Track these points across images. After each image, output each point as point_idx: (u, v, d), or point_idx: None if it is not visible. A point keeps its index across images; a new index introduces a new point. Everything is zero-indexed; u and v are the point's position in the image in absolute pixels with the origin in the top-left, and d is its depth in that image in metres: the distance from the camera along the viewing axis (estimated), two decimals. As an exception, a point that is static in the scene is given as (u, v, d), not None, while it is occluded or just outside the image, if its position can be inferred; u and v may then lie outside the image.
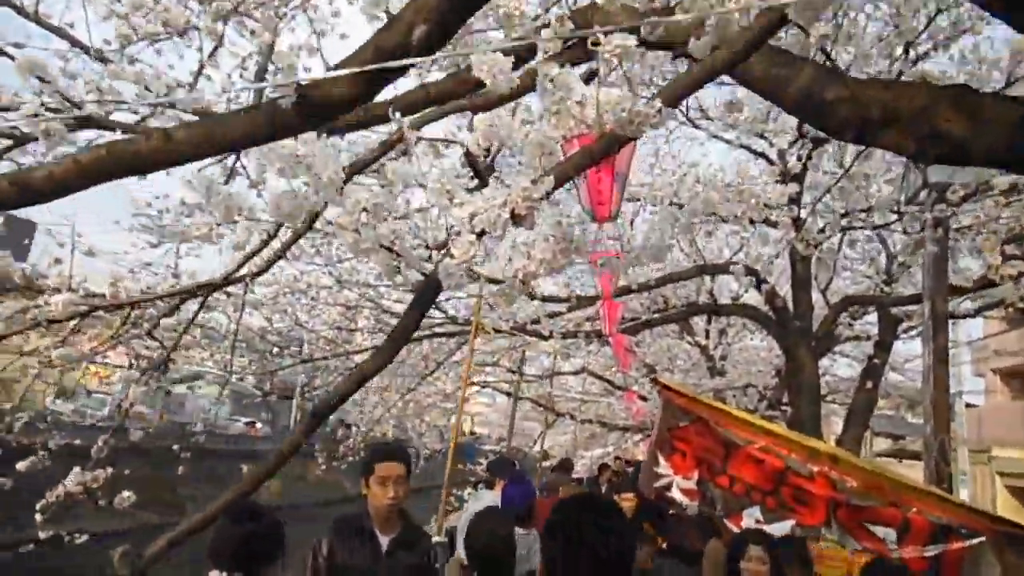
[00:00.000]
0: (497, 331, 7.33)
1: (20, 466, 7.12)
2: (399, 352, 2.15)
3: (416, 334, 8.27)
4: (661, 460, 4.00)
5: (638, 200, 8.04)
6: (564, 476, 8.25)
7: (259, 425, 41.32)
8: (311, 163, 1.81)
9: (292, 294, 7.63)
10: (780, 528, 3.60)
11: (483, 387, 14.43)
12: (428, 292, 1.95)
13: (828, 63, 3.23)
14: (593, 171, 2.99)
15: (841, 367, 14.26)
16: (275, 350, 9.49)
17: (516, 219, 1.75)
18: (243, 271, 4.19)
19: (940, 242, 4.37)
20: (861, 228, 7.39)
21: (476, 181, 2.95)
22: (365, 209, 1.79)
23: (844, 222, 7.01)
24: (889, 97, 2.28)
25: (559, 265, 1.64)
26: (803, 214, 6.99)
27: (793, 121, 6.80)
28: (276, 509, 2.15)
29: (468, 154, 2.41)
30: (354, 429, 12.13)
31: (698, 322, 12.29)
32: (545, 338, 8.07)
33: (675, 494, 3.95)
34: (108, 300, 3.10)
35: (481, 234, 1.78)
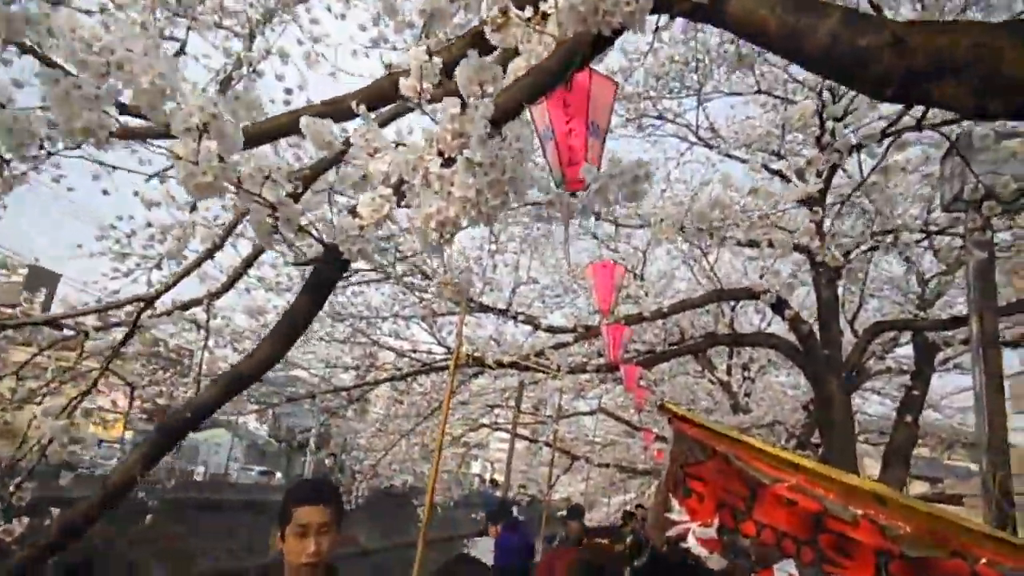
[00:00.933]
0: (500, 364, 6.80)
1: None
2: (287, 350, 1.65)
3: (412, 369, 7.77)
4: (674, 504, 3.42)
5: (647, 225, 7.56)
6: (576, 525, 7.61)
7: (278, 475, 40.61)
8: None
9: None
10: (819, 586, 3.00)
11: (494, 429, 13.78)
12: (325, 270, 1.46)
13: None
14: (562, 122, 2.35)
15: (872, 404, 13.50)
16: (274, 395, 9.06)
17: (447, 163, 1.27)
18: (203, 292, 3.75)
19: (986, 246, 3.82)
20: (890, 244, 6.83)
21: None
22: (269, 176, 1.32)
23: (872, 241, 6.52)
24: (940, 40, 1.78)
25: (490, 210, 1.16)
26: (826, 226, 6.49)
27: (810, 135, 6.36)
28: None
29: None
30: (357, 476, 11.54)
31: (720, 358, 11.70)
32: (552, 373, 7.52)
33: (692, 544, 3.35)
34: (19, 319, 2.65)
35: (399, 187, 1.30)
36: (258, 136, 1.71)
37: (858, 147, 4.34)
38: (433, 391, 9.33)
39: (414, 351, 8.10)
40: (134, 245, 5.11)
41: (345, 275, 6.82)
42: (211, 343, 6.86)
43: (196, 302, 3.87)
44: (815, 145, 6.38)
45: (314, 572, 1.78)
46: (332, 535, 1.82)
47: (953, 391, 13.61)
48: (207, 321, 4.31)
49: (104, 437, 34.49)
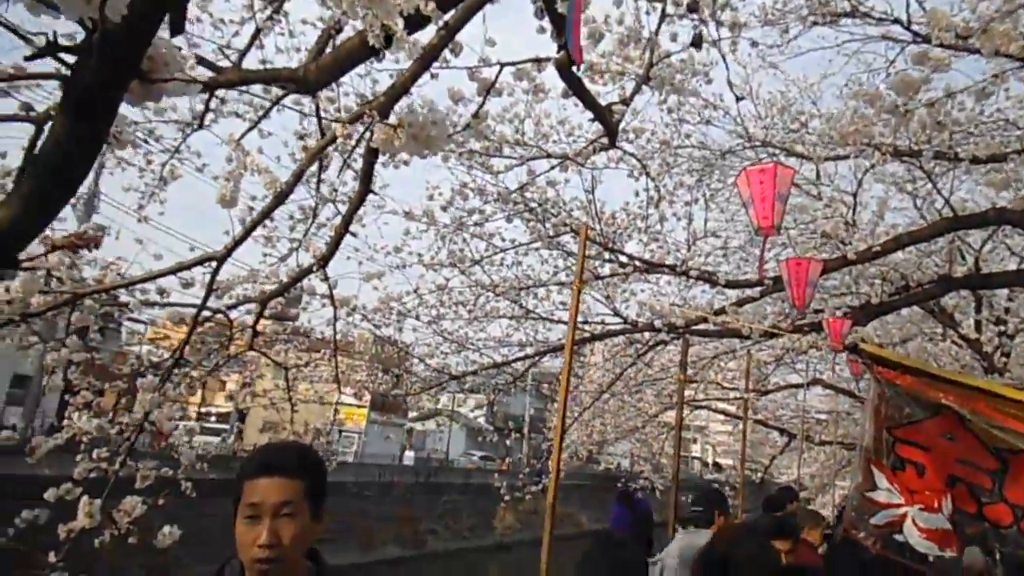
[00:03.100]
0: (673, 328, 5.97)
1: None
2: (49, 215, 1.10)
3: (579, 336, 7.19)
4: (880, 479, 2.48)
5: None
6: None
7: (508, 459, 42.22)
8: None
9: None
10: None
11: (696, 407, 12.74)
12: (86, 76, 0.88)
13: None
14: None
15: None
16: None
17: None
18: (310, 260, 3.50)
19: None
20: None
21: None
22: None
23: None
24: None
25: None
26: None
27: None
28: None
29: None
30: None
31: (963, 314, 9.63)
32: (743, 336, 6.52)
33: (910, 536, 2.39)
34: (94, 286, 2.51)
35: None
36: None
37: None
38: (615, 366, 8.68)
39: (586, 323, 7.52)
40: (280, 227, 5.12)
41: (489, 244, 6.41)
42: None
43: (306, 272, 3.64)
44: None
45: (273, 572, 1.25)
46: (301, 520, 1.29)
47: None
48: (330, 292, 4.09)
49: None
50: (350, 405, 37.39)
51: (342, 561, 23.93)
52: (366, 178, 3.21)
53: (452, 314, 7.65)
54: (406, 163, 4.58)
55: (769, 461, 15.99)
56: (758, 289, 5.97)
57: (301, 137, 3.59)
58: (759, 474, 16.62)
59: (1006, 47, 3.97)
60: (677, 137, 6.16)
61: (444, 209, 5.52)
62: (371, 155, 3.09)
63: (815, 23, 5.85)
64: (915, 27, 5.91)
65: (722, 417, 15.31)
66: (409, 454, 39.37)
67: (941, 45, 4.65)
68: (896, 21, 6.03)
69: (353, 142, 2.91)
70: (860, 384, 10.50)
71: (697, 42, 3.63)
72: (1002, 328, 9.34)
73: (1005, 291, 9.13)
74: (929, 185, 7.38)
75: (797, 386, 11.38)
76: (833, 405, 13.86)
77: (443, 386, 7.67)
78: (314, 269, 3.63)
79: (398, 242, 6.02)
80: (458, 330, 7.98)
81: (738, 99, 4.68)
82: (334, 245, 3.53)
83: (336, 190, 4.35)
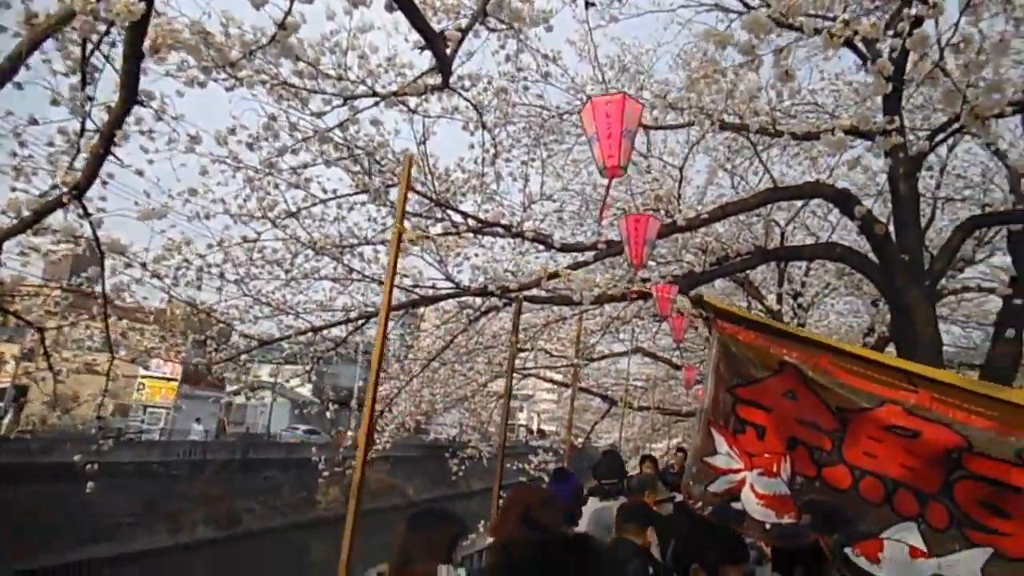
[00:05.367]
0: (508, 290, 5.71)
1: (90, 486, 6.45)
2: None
3: (408, 299, 6.76)
4: (720, 443, 2.32)
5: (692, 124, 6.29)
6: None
7: (350, 433, 40.70)
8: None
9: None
10: (964, 566, 1.88)
11: (526, 375, 12.81)
12: None
13: None
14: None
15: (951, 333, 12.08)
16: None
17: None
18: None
19: None
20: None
21: None
22: None
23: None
24: None
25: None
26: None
27: None
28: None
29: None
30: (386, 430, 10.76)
31: (767, 289, 10.45)
32: (574, 303, 6.40)
33: (748, 503, 2.26)
34: None
35: None
36: None
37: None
38: (446, 334, 8.33)
39: (416, 286, 7.07)
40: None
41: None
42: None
43: (56, 204, 2.86)
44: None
45: None
46: None
47: None
48: (93, 233, 3.30)
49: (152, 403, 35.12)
50: (157, 378, 34.11)
51: (145, 546, 21.84)
52: (128, 84, 2.51)
53: (266, 274, 6.85)
54: (202, 85, 3.83)
55: (591, 426, 16.64)
56: (592, 253, 5.87)
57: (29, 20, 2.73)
58: (580, 439, 17.29)
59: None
60: (515, 90, 5.85)
61: (251, 148, 4.75)
62: (133, 52, 2.41)
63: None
64: None
65: (548, 385, 15.63)
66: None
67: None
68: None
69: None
70: (679, 351, 11.06)
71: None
72: (799, 301, 10.24)
73: (802, 269, 10.00)
74: (748, 163, 7.78)
75: (621, 354, 11.77)
76: (652, 372, 14.62)
77: (250, 354, 6.86)
78: (65, 200, 2.85)
79: (195, 183, 5.11)
80: (273, 292, 7.20)
81: (587, 4, 4.41)
82: (91, 169, 2.79)
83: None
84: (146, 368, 24.57)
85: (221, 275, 6.00)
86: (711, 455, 2.41)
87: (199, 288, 5.79)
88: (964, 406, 1.94)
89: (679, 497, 3.79)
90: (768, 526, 2.26)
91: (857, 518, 2.11)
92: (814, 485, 2.22)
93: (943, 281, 7.76)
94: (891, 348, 6.59)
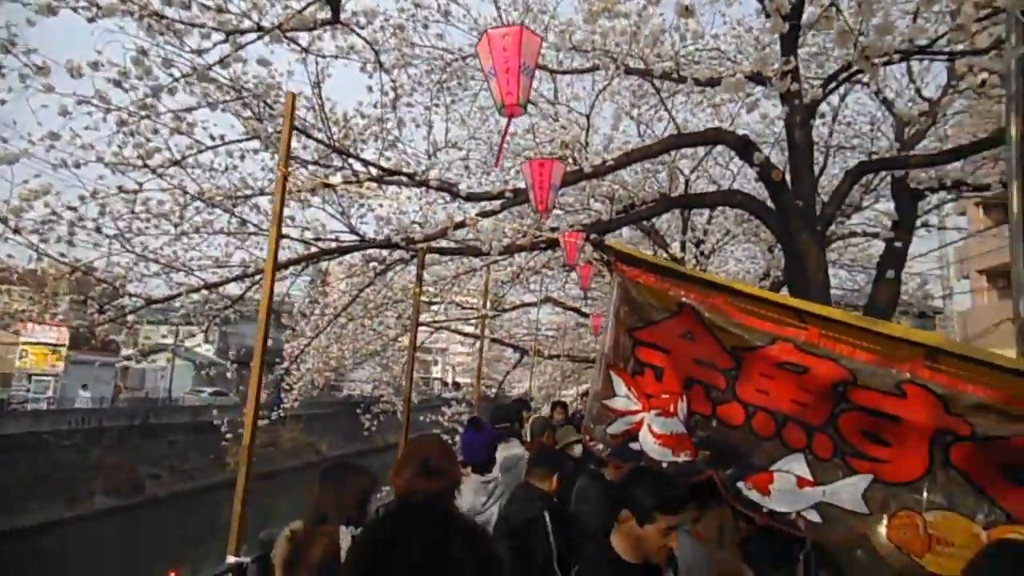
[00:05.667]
0: (412, 241, 5.55)
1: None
2: None
3: (307, 252, 6.49)
4: (619, 386, 2.32)
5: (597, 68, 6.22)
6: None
7: (231, 395, 39.60)
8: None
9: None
10: (847, 492, 1.96)
11: (438, 328, 12.71)
12: None
13: None
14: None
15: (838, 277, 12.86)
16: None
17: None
18: None
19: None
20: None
21: None
22: None
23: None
24: None
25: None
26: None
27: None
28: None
29: None
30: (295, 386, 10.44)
31: (671, 237, 10.73)
32: (482, 253, 6.31)
33: (645, 443, 2.28)
34: None
35: None
36: None
37: None
38: (353, 288, 8.08)
39: (318, 239, 6.77)
40: None
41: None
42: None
43: None
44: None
45: None
46: None
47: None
48: None
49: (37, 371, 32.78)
50: (41, 343, 31.81)
51: (39, 520, 20.67)
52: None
53: (153, 228, 6.36)
54: (53, 12, 3.42)
55: (503, 376, 16.83)
56: (499, 202, 5.76)
57: None
58: (493, 389, 17.49)
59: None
60: (415, 29, 5.58)
61: (120, 86, 4.27)
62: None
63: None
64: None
65: (461, 338, 15.64)
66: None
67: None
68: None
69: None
70: (587, 300, 11.23)
71: None
72: (702, 248, 10.57)
73: (704, 217, 10.30)
74: (653, 111, 7.82)
75: (531, 304, 11.85)
76: (562, 321, 14.85)
77: (138, 314, 6.40)
78: None
79: (56, 126, 4.56)
80: (162, 248, 6.71)
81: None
82: None
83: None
84: (18, 333, 22.69)
85: (98, 229, 5.51)
86: (610, 398, 2.41)
87: (71, 244, 5.28)
88: (849, 340, 2.00)
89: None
90: (665, 464, 2.30)
91: (749, 453, 2.18)
92: (710, 423, 2.27)
93: (832, 227, 8.19)
94: (785, 291, 6.90)
